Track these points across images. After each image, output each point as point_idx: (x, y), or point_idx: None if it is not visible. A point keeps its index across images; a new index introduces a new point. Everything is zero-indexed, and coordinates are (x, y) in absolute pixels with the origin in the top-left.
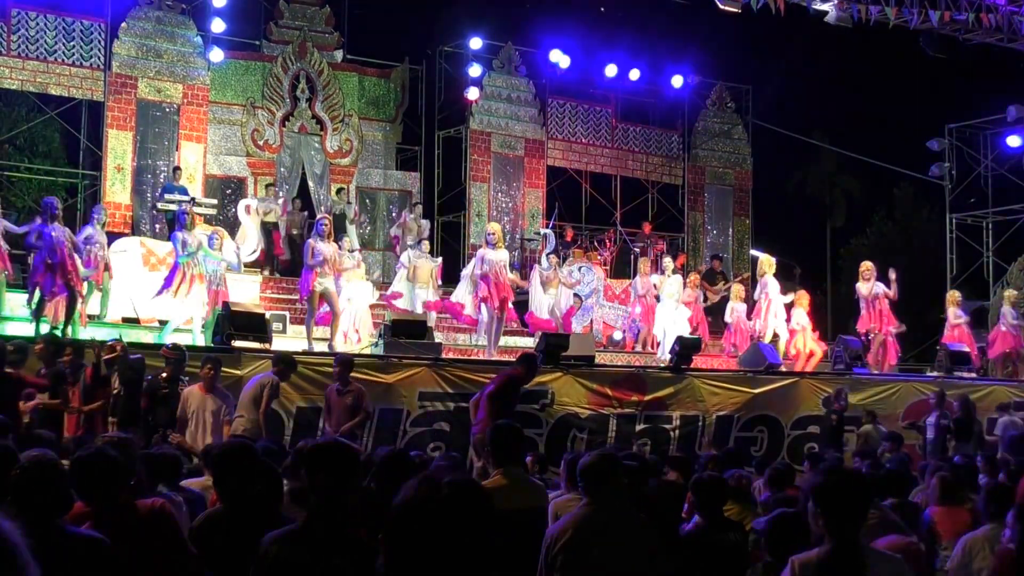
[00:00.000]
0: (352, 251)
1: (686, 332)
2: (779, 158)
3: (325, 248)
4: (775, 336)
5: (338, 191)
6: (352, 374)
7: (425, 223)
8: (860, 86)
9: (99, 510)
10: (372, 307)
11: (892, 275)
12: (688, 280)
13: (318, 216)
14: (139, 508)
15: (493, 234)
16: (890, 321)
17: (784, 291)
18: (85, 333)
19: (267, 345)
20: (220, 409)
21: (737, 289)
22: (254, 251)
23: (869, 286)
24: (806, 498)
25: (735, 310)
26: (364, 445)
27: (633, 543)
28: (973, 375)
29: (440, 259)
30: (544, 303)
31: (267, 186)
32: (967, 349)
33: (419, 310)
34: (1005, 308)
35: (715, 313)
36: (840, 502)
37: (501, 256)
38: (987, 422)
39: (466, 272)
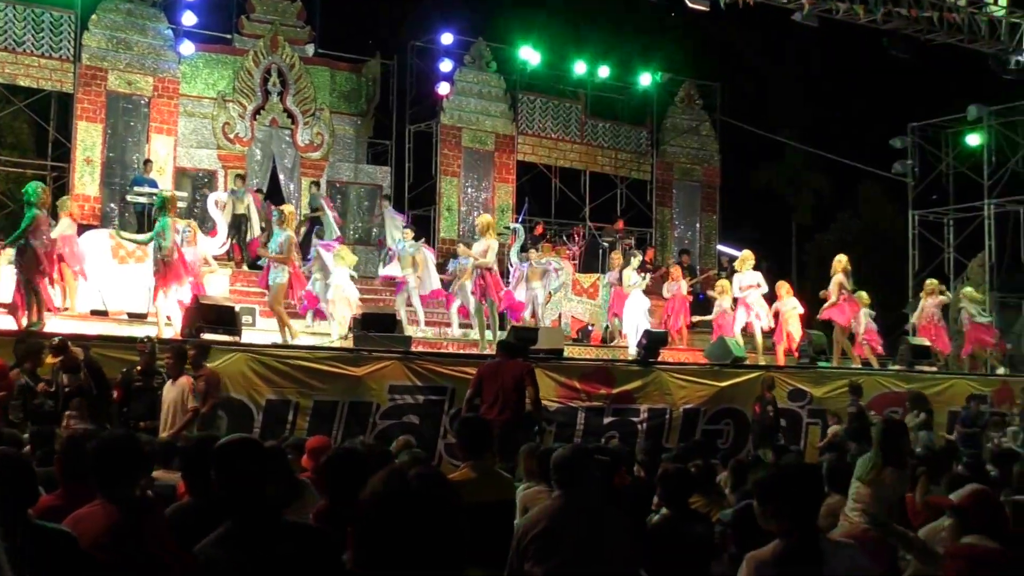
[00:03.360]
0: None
1: (647, 324)
2: (746, 155)
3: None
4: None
5: (312, 184)
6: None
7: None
8: (826, 85)
9: (118, 498)
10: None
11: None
12: (671, 273)
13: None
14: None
15: (477, 226)
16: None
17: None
18: (52, 326)
19: (237, 338)
20: (177, 399)
21: (723, 285)
22: (224, 244)
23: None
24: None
25: (721, 307)
26: (334, 438)
27: (605, 536)
28: (934, 368)
29: (421, 240)
30: (528, 297)
31: (237, 177)
32: (928, 343)
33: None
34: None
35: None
36: (787, 497)
37: (475, 248)
38: (948, 415)
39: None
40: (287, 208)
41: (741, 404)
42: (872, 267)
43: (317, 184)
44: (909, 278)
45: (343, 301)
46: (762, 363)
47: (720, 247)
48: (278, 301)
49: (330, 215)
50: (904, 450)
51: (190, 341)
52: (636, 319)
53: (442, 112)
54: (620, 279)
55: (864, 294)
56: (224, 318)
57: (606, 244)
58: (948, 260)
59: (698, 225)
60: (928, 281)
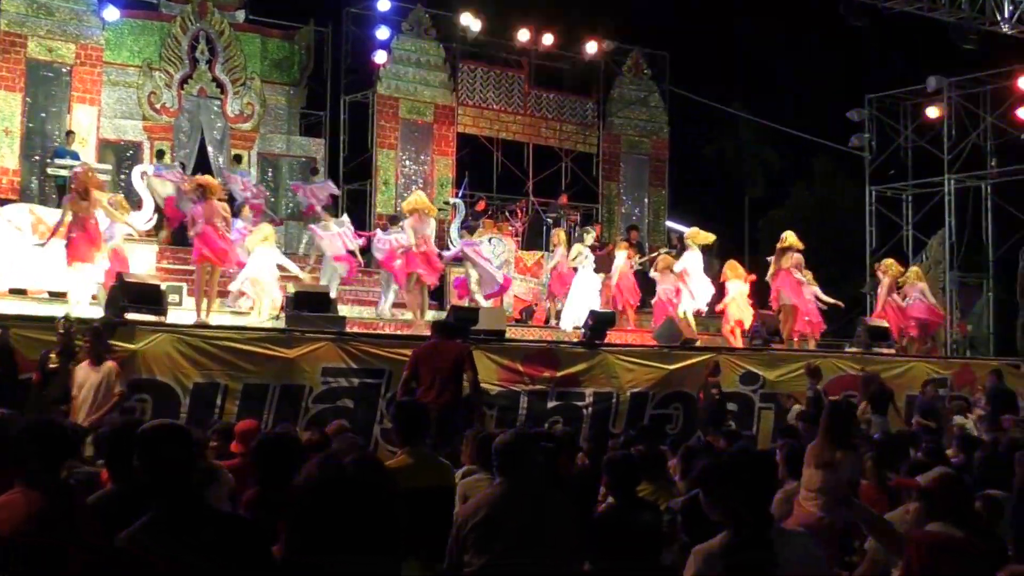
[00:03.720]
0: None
1: (595, 304)
2: (697, 127)
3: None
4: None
5: (234, 157)
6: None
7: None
8: (780, 55)
9: (39, 484)
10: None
11: None
12: (619, 249)
13: None
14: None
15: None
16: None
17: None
18: None
19: (162, 317)
20: (102, 383)
21: (667, 261)
22: (149, 219)
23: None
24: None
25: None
26: (264, 422)
27: (547, 524)
28: (892, 351)
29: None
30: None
31: (159, 152)
32: (886, 324)
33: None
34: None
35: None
36: (735, 485)
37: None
38: (906, 399)
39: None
40: (202, 179)
41: (691, 388)
42: (828, 244)
43: (238, 158)
44: (866, 256)
45: (258, 282)
46: (713, 345)
47: (669, 223)
48: (199, 278)
49: (232, 188)
50: (852, 432)
51: (98, 319)
52: (584, 299)
53: (379, 82)
54: (568, 255)
55: (809, 273)
56: (149, 296)
57: (550, 220)
58: (907, 237)
59: (646, 200)
60: (884, 261)
